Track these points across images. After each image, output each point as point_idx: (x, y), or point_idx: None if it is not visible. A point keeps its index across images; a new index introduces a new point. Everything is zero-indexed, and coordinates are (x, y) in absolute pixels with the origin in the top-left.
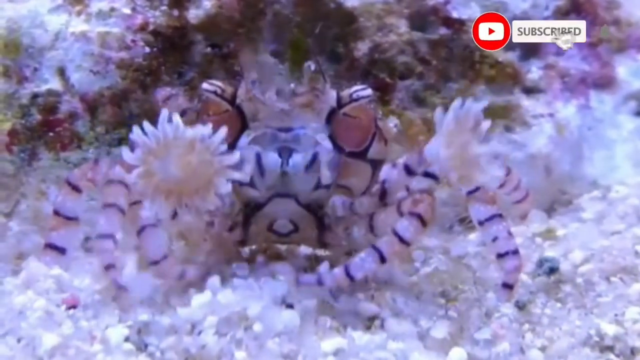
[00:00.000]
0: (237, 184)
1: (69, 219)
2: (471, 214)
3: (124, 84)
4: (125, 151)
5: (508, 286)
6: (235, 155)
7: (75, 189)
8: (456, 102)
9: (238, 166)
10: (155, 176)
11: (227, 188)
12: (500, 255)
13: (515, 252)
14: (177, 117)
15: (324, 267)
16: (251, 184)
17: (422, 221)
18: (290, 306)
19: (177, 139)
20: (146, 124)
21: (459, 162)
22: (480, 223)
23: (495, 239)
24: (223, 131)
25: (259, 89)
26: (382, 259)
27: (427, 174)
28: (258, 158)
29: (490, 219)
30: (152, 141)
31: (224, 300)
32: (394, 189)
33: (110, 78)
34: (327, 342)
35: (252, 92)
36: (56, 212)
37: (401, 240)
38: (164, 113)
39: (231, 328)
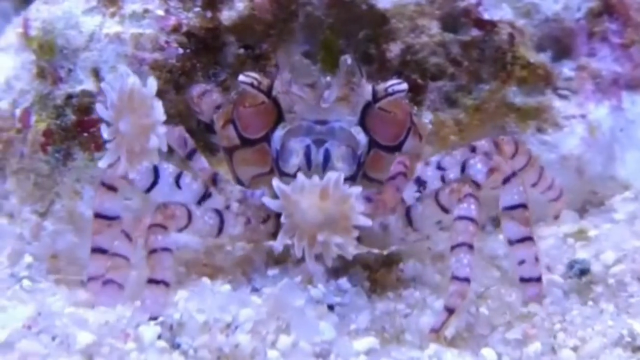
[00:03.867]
0: (279, 175)
1: (110, 218)
2: (503, 230)
3: (158, 85)
4: (99, 107)
5: None
6: (160, 110)
7: (111, 188)
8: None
9: (285, 157)
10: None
11: (155, 142)
12: (523, 280)
13: (539, 279)
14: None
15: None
16: (296, 176)
17: (476, 199)
18: (330, 307)
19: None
20: (110, 78)
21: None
22: (511, 242)
23: (522, 262)
24: (152, 82)
25: (295, 84)
26: (470, 247)
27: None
28: (307, 152)
29: (521, 240)
30: (115, 96)
31: (256, 299)
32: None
33: (143, 79)
34: (359, 342)
35: (288, 87)
36: (97, 215)
37: (471, 220)
38: (121, 67)
39: (265, 327)
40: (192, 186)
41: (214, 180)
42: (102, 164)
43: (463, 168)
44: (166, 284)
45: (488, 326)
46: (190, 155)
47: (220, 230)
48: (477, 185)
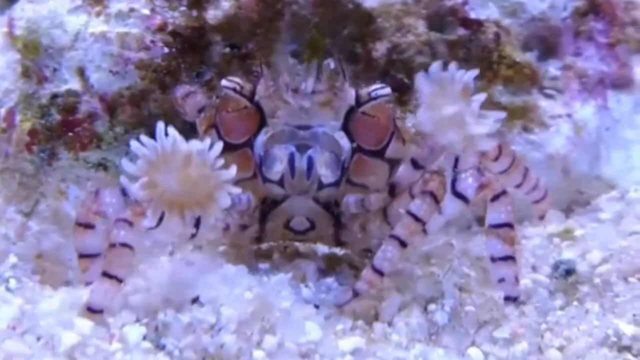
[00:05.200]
0: (262, 181)
1: (94, 256)
2: (486, 246)
3: (143, 84)
4: (125, 162)
5: None
6: (232, 171)
7: (87, 226)
8: (434, 65)
9: (269, 164)
10: (158, 187)
11: (227, 202)
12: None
13: (517, 299)
14: (173, 131)
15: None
16: (279, 182)
17: (435, 198)
18: (316, 306)
19: (174, 152)
20: (143, 137)
21: (442, 124)
22: (493, 260)
23: (502, 280)
24: (219, 145)
25: (281, 86)
26: (403, 244)
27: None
28: (291, 159)
29: (504, 259)
30: (152, 153)
31: (242, 299)
32: (403, 183)
33: (129, 78)
34: (345, 342)
35: (274, 88)
36: (80, 255)
37: (416, 219)
38: (160, 125)
39: (250, 327)
40: None
41: None
42: (148, 224)
43: (454, 180)
44: (119, 280)
45: (475, 325)
46: None
47: (193, 235)
48: (465, 199)
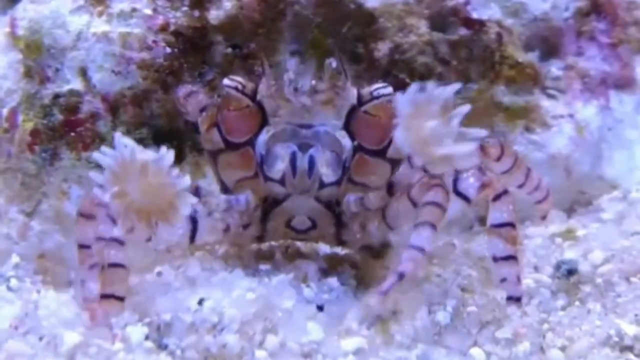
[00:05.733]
0: (263, 180)
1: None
2: (488, 246)
3: (145, 84)
4: (93, 174)
5: None
6: (187, 179)
7: (90, 217)
8: (413, 86)
9: (270, 162)
10: (128, 197)
11: (188, 210)
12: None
13: (519, 299)
14: (129, 141)
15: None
16: (281, 181)
17: (444, 189)
18: (319, 308)
19: (132, 162)
20: (104, 148)
21: (419, 144)
22: (495, 259)
23: (504, 280)
24: (171, 154)
25: (283, 83)
26: (432, 226)
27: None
28: (293, 158)
29: (505, 258)
30: (114, 164)
31: (244, 299)
32: (401, 181)
33: (131, 78)
34: (347, 342)
35: (276, 87)
36: (80, 246)
37: (436, 205)
38: (118, 135)
39: (252, 327)
40: None
41: (197, 192)
42: (118, 232)
43: (455, 180)
44: (118, 298)
45: (478, 325)
46: None
47: (192, 238)
48: (467, 199)
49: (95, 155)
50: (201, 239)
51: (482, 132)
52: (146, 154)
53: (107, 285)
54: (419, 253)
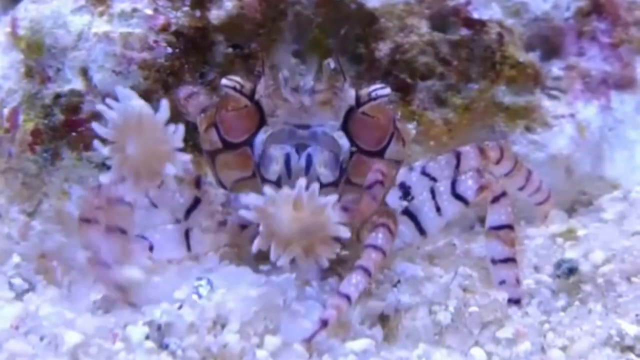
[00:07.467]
0: (261, 180)
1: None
2: (487, 248)
3: (146, 84)
4: (96, 125)
5: None
6: (180, 133)
7: (91, 221)
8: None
9: (266, 164)
10: (124, 152)
11: (172, 170)
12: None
13: (518, 301)
14: (130, 93)
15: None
16: (277, 183)
17: (389, 230)
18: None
19: (132, 117)
20: (109, 100)
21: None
22: (493, 262)
23: (502, 282)
24: (165, 107)
25: (281, 82)
26: (367, 272)
27: (457, 196)
28: (287, 159)
29: (504, 261)
30: (119, 117)
31: (245, 298)
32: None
33: (132, 78)
34: (350, 342)
35: (274, 87)
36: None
37: (376, 248)
38: (120, 88)
39: (253, 327)
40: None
41: (198, 182)
42: (104, 179)
43: (454, 182)
44: (122, 231)
45: (479, 325)
46: None
47: (187, 215)
48: (465, 201)
49: (99, 106)
50: (196, 221)
51: None
52: (143, 108)
53: (111, 220)
54: (345, 302)
